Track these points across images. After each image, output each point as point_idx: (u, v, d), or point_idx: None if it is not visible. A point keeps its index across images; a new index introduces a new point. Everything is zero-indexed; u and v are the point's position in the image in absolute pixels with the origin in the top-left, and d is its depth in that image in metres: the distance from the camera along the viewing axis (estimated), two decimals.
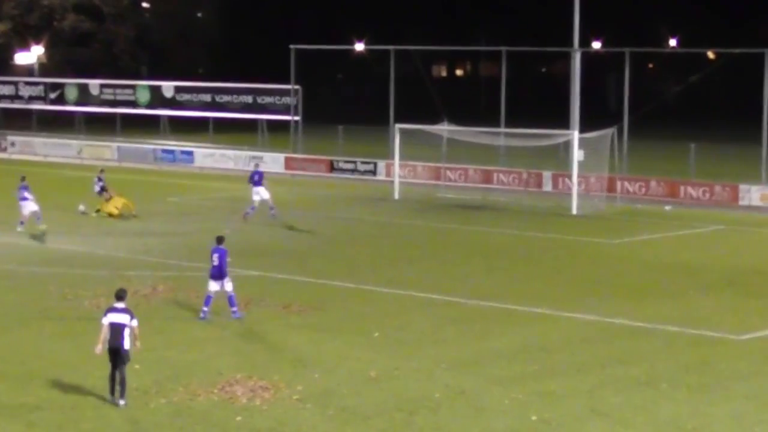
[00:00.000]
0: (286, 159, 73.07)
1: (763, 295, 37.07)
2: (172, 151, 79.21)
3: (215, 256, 32.60)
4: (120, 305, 25.28)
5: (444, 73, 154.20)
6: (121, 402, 24.81)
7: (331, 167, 70.71)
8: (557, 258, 43.97)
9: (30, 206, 47.67)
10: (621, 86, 66.07)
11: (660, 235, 49.95)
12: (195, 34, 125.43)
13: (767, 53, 58.85)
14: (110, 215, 51.84)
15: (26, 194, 47.88)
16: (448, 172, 65.88)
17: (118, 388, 24.92)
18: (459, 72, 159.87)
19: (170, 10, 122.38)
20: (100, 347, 25.17)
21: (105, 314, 25.32)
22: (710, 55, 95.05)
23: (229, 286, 32.58)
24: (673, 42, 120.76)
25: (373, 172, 68.94)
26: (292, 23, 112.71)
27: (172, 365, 27.86)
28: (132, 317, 25.09)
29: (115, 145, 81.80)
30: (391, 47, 72.97)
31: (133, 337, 25.23)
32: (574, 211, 55.38)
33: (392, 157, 62.63)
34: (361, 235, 48.52)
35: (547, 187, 62.89)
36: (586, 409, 24.75)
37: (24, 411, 24.46)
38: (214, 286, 32.50)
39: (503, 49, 70.33)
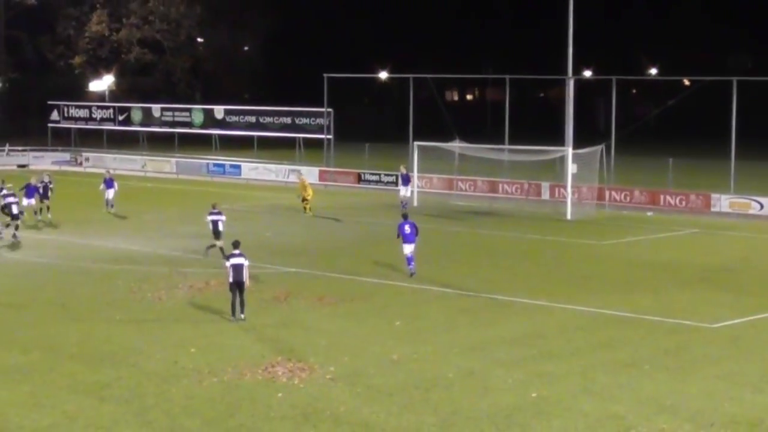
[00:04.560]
0: (320, 172, 73.09)
1: (731, 289, 36.95)
2: (222, 165, 79.28)
3: (406, 227, 37.84)
4: (237, 251, 31.07)
5: (456, 98, 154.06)
6: (242, 316, 30.93)
7: (359, 179, 70.71)
8: (554, 257, 43.88)
9: (111, 193, 55.35)
10: (608, 109, 65.96)
11: (642, 237, 49.83)
12: (242, 64, 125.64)
13: (734, 81, 58.92)
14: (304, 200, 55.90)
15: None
16: (460, 183, 65.85)
17: (239, 307, 30.93)
18: (469, 96, 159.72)
19: (221, 44, 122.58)
20: (230, 280, 30.76)
21: (228, 259, 31.34)
22: (686, 82, 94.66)
23: (410, 249, 37.83)
24: (653, 70, 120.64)
25: (395, 183, 68.89)
26: (324, 55, 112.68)
27: (222, 349, 27.90)
28: (246, 259, 30.99)
29: (173, 159, 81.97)
30: (410, 75, 72.98)
31: (248, 273, 30.93)
32: (569, 217, 55.28)
33: (412, 170, 62.56)
34: (384, 237, 48.39)
35: (545, 195, 62.82)
36: (579, 387, 24.68)
37: (96, 388, 24.53)
38: (407, 249, 37.82)
39: (507, 77, 70.35)
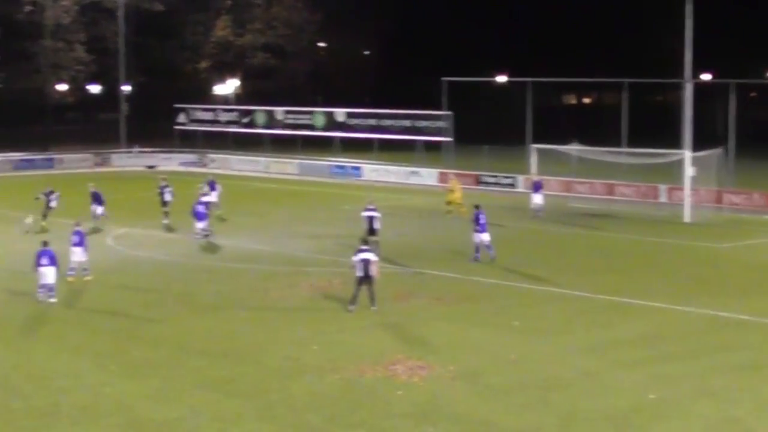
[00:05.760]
0: (440, 174, 73.11)
1: None
2: (343, 167, 79.74)
3: (482, 217, 40.43)
4: (365, 247, 32.52)
5: (573, 101, 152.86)
6: (373, 308, 31.95)
7: (478, 181, 70.49)
8: (671, 259, 43.28)
9: (212, 198, 53.17)
10: (727, 111, 64.86)
11: (761, 240, 48.83)
12: (362, 68, 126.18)
13: None
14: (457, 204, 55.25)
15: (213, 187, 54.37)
16: (577, 185, 65.31)
17: (369, 300, 32.02)
18: (586, 100, 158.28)
19: (341, 48, 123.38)
20: (360, 274, 31.80)
21: (356, 254, 32.13)
22: None
23: (488, 237, 40.67)
24: None
25: (513, 185, 68.61)
26: (443, 58, 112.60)
27: (343, 347, 28.08)
28: (374, 254, 32.44)
29: (296, 161, 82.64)
30: (528, 79, 72.60)
31: (376, 267, 32.07)
32: (687, 220, 54.45)
33: (529, 173, 62.19)
34: (503, 238, 48.21)
35: (663, 198, 61.95)
36: (698, 390, 24.33)
37: (221, 383, 24.89)
38: (479, 237, 40.52)
39: (625, 80, 69.67)
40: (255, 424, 22.15)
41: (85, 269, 37.23)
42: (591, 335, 29.68)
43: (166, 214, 51.10)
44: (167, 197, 51.44)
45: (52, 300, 33.54)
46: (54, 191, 50.81)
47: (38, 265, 33.60)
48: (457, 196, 56.50)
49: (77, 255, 36.98)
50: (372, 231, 42.43)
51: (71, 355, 27.52)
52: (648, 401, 23.50)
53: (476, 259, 40.84)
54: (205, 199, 49.13)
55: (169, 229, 49.64)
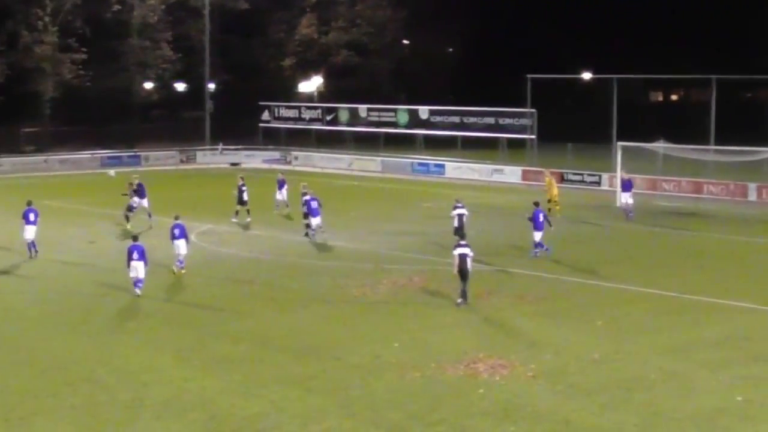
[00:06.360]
0: (523, 171, 72.75)
1: None
2: (426, 164, 79.63)
3: (541, 215, 41.45)
4: (463, 242, 33.33)
5: (660, 98, 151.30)
6: (459, 300, 32.38)
7: (562, 178, 69.92)
8: (760, 259, 42.59)
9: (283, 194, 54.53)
10: None
11: None
12: (445, 65, 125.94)
13: None
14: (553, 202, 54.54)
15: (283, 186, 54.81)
16: (664, 184, 64.62)
17: (460, 295, 32.33)
18: (673, 97, 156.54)
19: (424, 46, 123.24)
20: (455, 269, 32.39)
21: (455, 248, 32.79)
22: None
23: (539, 236, 41.31)
24: None
25: (598, 183, 68.05)
26: (527, 55, 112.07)
27: (425, 344, 28.06)
28: (471, 250, 32.78)
29: (379, 158, 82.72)
30: (613, 76, 71.97)
31: (472, 263, 32.50)
32: None
33: (615, 170, 61.63)
34: (587, 236, 47.95)
35: (752, 197, 61.07)
36: None
37: (302, 379, 25.00)
38: (537, 235, 41.30)
39: (713, 77, 68.84)
40: (336, 420, 22.21)
41: (180, 261, 37.86)
42: (676, 335, 29.33)
43: (248, 212, 51.48)
44: (245, 196, 51.74)
45: (138, 291, 34.07)
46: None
47: (129, 260, 34.30)
48: (554, 193, 55.90)
49: (182, 248, 37.79)
50: (460, 229, 42.66)
51: (155, 350, 27.84)
52: (735, 403, 23.16)
53: (547, 252, 41.29)
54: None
55: (246, 227, 50.02)
